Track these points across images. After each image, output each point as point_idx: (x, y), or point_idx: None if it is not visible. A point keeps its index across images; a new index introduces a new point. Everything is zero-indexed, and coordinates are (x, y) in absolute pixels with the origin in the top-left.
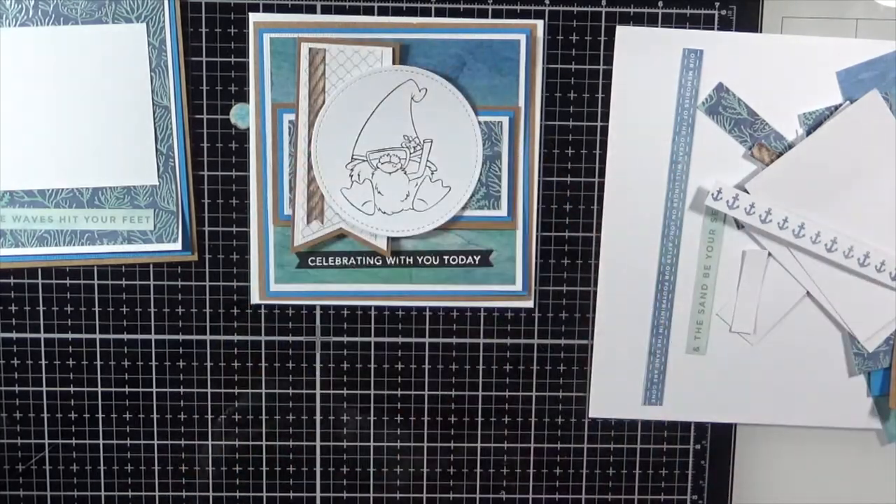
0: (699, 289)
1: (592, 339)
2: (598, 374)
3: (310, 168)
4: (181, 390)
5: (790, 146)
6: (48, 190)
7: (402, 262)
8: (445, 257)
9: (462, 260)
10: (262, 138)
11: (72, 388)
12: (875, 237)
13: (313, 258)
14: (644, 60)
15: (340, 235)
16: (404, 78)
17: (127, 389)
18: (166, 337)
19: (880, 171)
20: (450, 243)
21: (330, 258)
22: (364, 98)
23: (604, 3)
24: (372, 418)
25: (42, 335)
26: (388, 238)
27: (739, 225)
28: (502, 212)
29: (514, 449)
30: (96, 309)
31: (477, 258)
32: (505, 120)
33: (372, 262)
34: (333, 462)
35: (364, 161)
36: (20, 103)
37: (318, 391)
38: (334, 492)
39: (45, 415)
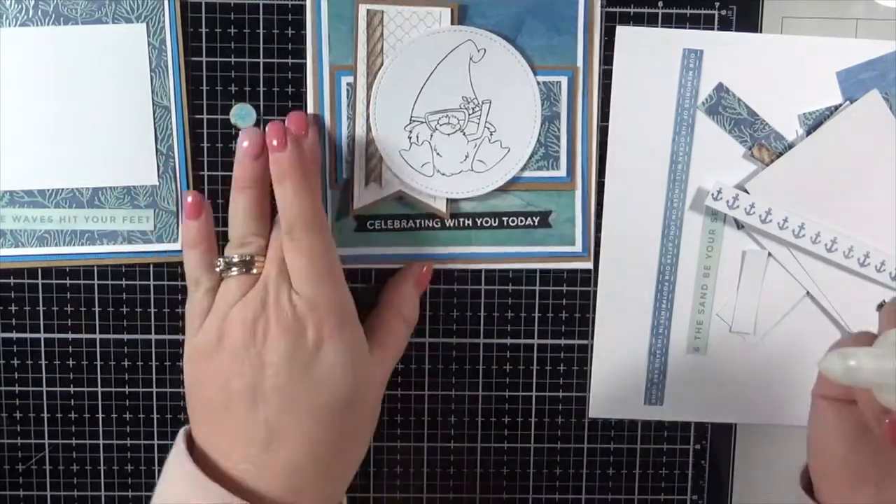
0: (699, 289)
1: (592, 339)
2: (598, 374)
3: (368, 130)
4: (181, 390)
5: (790, 146)
6: (48, 190)
7: (461, 224)
8: (504, 219)
9: (521, 221)
10: (321, 101)
11: (72, 388)
12: (875, 237)
13: (371, 221)
14: (644, 60)
15: (399, 198)
16: (463, 38)
17: (127, 389)
18: (166, 337)
19: (880, 171)
20: (509, 205)
21: (388, 221)
22: (422, 59)
23: (604, 2)
24: None
25: (42, 335)
26: (447, 200)
27: (739, 225)
28: (561, 172)
29: (514, 449)
30: (96, 309)
31: (536, 219)
32: (563, 80)
33: (431, 225)
34: None
35: (423, 123)
36: (20, 103)
37: None
38: None
39: (45, 415)
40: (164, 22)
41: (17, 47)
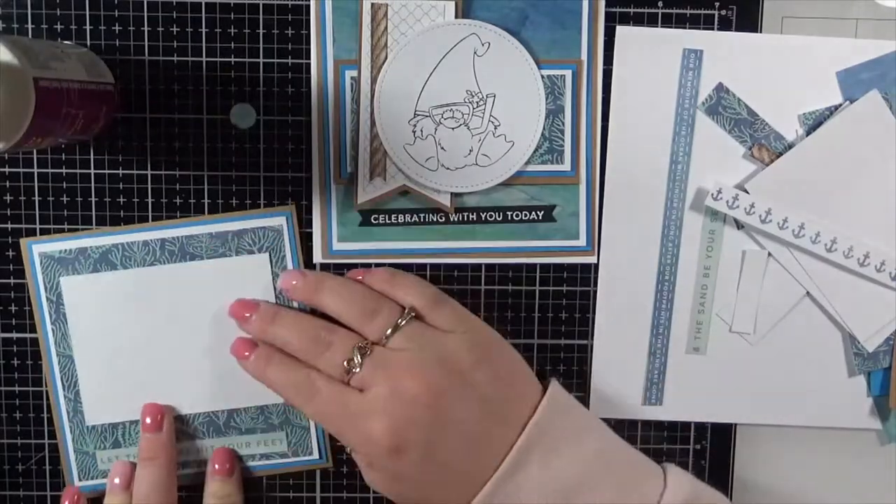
0: (699, 289)
1: (592, 339)
2: (598, 374)
3: (372, 124)
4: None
5: (790, 146)
6: (187, 415)
7: (466, 218)
8: (509, 213)
9: (525, 216)
10: (325, 96)
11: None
12: (875, 237)
13: (376, 216)
14: (644, 60)
15: (403, 192)
16: (467, 32)
17: None
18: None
19: (880, 172)
20: (513, 199)
21: (393, 216)
22: (426, 53)
23: (604, 3)
24: None
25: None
26: (452, 194)
27: (739, 225)
28: (566, 166)
29: None
30: None
31: (541, 213)
32: (568, 73)
33: (435, 220)
34: (334, 462)
35: (427, 117)
36: (159, 335)
37: None
38: (334, 492)
39: (45, 415)
40: (285, 251)
41: (147, 285)
